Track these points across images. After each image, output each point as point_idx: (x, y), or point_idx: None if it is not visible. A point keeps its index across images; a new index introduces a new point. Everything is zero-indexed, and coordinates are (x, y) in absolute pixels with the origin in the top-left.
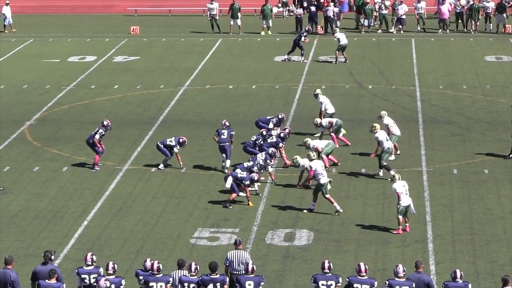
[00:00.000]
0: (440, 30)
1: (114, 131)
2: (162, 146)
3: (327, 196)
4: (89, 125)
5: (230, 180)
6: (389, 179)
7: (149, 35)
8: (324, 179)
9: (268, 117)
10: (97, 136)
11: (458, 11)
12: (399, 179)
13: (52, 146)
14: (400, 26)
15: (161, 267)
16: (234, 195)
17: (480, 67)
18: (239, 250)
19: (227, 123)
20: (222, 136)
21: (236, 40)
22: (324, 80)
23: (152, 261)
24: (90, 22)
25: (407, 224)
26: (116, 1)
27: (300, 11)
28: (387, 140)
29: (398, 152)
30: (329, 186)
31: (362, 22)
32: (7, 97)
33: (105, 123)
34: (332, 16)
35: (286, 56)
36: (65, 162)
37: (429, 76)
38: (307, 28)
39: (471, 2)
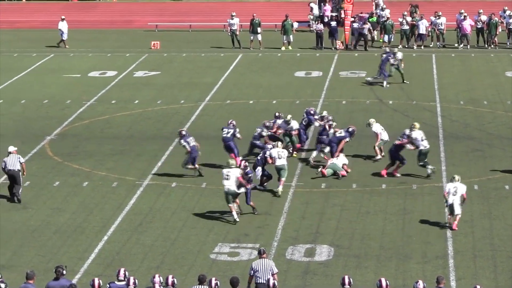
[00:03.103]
0: (462, 45)
1: (135, 146)
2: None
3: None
4: (109, 140)
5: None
6: (427, 176)
7: (169, 50)
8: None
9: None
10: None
11: (479, 27)
12: (457, 180)
13: (72, 161)
14: (421, 42)
15: (175, 281)
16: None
17: (501, 83)
18: (263, 259)
19: (233, 122)
20: (225, 135)
21: (257, 55)
22: (345, 95)
23: (160, 277)
24: (111, 37)
25: (455, 222)
26: (137, 16)
27: (320, 26)
28: (423, 140)
29: (383, 154)
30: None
31: (379, 38)
32: (28, 112)
33: (183, 132)
34: (366, 33)
35: (370, 78)
36: (85, 177)
37: (450, 92)
38: (395, 50)
39: (490, 18)
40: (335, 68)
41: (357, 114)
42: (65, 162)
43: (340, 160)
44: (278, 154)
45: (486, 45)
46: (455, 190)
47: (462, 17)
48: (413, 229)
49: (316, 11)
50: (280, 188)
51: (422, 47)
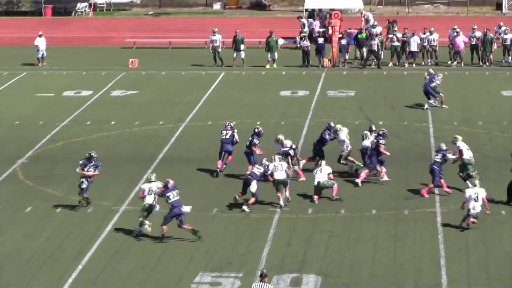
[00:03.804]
0: (455, 63)
1: (111, 169)
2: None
3: None
4: None
5: (255, 184)
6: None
7: (148, 68)
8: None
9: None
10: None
11: (473, 43)
12: (477, 185)
13: (45, 185)
14: (412, 59)
15: None
16: (253, 200)
17: (497, 102)
18: (265, 283)
19: (231, 124)
20: (224, 137)
21: (240, 73)
22: (333, 116)
23: None
24: (86, 54)
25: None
26: (114, 32)
27: (307, 43)
28: (468, 150)
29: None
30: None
31: (365, 55)
32: None
33: (256, 130)
34: (376, 50)
35: (426, 106)
36: (59, 202)
37: (443, 112)
38: (437, 75)
39: (485, 34)
40: (323, 87)
41: None
42: (37, 187)
43: (324, 171)
44: (275, 167)
45: (481, 63)
46: (476, 196)
47: (455, 33)
48: (405, 257)
49: (307, 27)
50: (287, 193)
51: (414, 65)
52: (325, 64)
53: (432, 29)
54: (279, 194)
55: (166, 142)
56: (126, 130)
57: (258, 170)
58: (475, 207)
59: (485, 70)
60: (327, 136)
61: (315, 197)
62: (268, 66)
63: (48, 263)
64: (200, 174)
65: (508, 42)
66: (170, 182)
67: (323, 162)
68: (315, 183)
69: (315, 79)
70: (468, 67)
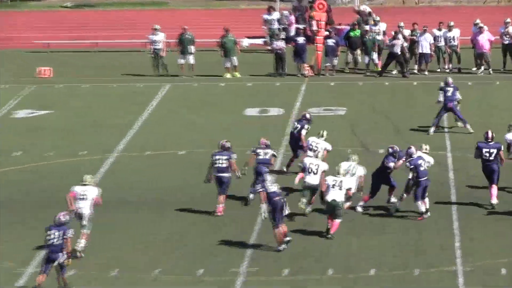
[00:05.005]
0: (482, 69)
1: (12, 216)
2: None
3: None
4: None
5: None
6: None
7: (66, 79)
8: None
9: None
10: (303, 132)
11: (506, 42)
12: None
13: None
14: (424, 65)
15: None
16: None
17: None
18: None
19: (228, 145)
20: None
21: (190, 86)
22: None
23: None
24: None
25: None
26: (16, 30)
27: (281, 44)
28: None
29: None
30: None
31: (360, 59)
32: None
33: (307, 116)
34: (399, 52)
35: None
36: None
37: (465, 136)
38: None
39: None
40: (303, 103)
41: (332, 167)
42: None
43: (345, 185)
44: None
45: None
46: None
47: (478, 30)
48: None
49: (274, 23)
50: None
51: (426, 73)
52: (306, 72)
53: (452, 24)
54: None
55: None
56: (36, 164)
57: (275, 186)
58: None
59: None
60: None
61: (330, 222)
62: (227, 75)
63: None
64: (139, 218)
65: None
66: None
67: (346, 166)
68: (329, 199)
69: (292, 92)
70: (499, 74)
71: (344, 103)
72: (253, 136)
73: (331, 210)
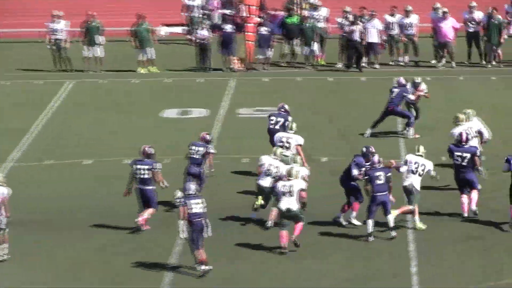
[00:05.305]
0: (442, 62)
1: None
2: None
3: None
4: None
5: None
6: None
7: None
8: None
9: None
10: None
11: (471, 30)
12: None
13: None
14: (374, 57)
15: None
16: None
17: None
18: None
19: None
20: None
21: (97, 83)
22: (247, 150)
23: None
24: None
25: None
26: None
27: (205, 33)
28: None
29: None
30: None
31: (298, 51)
32: None
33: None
34: (359, 40)
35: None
36: None
37: (425, 142)
38: (418, 80)
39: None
40: (231, 103)
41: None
42: None
43: (296, 188)
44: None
45: (484, 61)
46: None
47: (441, 15)
48: None
49: (197, 9)
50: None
51: (377, 66)
52: (234, 66)
53: (410, 8)
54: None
55: None
56: None
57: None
58: None
59: (491, 74)
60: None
61: (283, 236)
62: (142, 70)
63: None
64: (36, 243)
65: None
66: None
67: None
68: (283, 208)
69: (218, 90)
70: (464, 68)
71: (280, 103)
72: (173, 140)
73: (287, 218)
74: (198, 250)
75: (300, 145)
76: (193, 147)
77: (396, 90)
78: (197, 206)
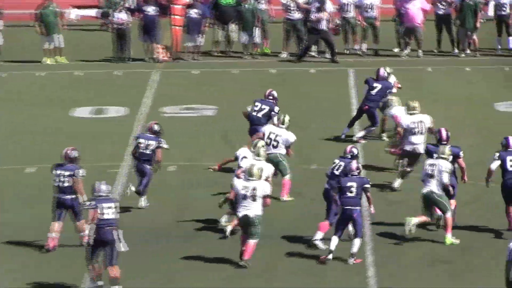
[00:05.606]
0: (406, 51)
1: None
2: None
3: None
4: None
5: None
6: None
7: None
8: None
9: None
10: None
11: (441, 12)
12: None
13: None
14: (326, 44)
15: None
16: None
17: (487, 124)
18: None
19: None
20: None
21: None
22: (178, 156)
23: None
24: None
25: None
26: None
27: (123, 16)
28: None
29: None
30: None
31: (235, 38)
32: None
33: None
34: (325, 29)
35: (361, 135)
36: None
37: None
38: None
39: None
40: (155, 100)
41: (193, 192)
42: None
43: (261, 190)
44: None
45: (456, 49)
46: None
47: None
48: None
49: None
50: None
51: (327, 55)
52: (159, 55)
53: None
54: None
55: None
56: None
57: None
58: None
59: (465, 64)
60: None
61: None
62: (48, 60)
63: None
64: None
65: (506, 11)
66: None
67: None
68: (240, 214)
69: (139, 84)
70: (432, 58)
71: (213, 100)
72: (86, 143)
73: (245, 227)
74: (109, 268)
75: (290, 145)
76: (142, 140)
77: (378, 86)
78: (109, 211)
